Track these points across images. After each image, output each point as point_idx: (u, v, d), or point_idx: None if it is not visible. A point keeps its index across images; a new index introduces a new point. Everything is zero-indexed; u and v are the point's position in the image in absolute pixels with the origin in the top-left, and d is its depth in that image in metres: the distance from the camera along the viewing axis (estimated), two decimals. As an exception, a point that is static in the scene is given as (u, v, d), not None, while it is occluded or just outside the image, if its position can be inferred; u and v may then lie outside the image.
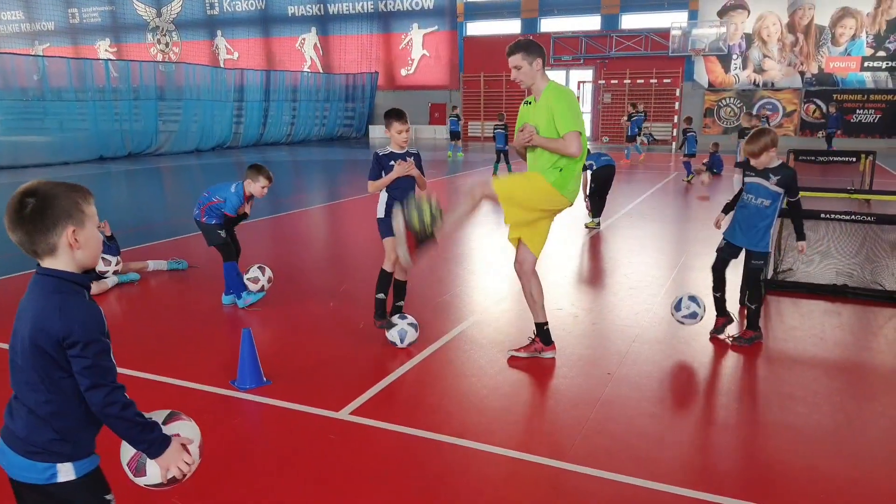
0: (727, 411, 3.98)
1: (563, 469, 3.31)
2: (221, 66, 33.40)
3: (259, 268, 6.17)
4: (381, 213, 5.17)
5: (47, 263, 1.94)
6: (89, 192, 2.00)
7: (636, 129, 21.08)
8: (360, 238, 8.77)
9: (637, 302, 6.11)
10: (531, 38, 4.46)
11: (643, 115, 21.97)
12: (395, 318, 4.96)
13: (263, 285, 6.10)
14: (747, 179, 4.96)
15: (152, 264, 6.96)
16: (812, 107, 25.83)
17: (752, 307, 5.00)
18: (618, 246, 8.56)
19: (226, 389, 4.20)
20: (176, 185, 16.40)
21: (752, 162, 4.88)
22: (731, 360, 4.77)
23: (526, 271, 4.62)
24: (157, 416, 2.09)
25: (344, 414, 3.88)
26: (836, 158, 12.30)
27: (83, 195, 1.97)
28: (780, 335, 5.33)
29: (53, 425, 1.94)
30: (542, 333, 4.68)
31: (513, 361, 4.69)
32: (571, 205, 4.49)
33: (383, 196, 5.16)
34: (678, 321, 5.09)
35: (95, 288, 6.27)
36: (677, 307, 5.09)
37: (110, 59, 28.62)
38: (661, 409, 4.00)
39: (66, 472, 1.96)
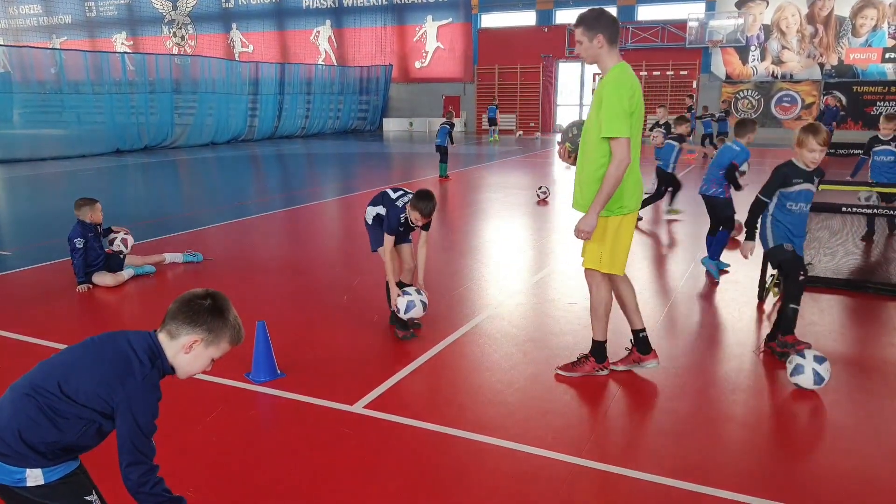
0: (745, 407, 3.93)
1: (576, 464, 3.28)
2: (236, 59, 33.50)
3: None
4: (369, 220, 5.16)
5: (162, 334, 2.11)
6: (240, 341, 2.19)
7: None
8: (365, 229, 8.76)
9: (654, 297, 6.06)
10: (604, 9, 3.97)
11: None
12: (411, 289, 4.93)
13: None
14: (798, 188, 4.47)
15: (168, 257, 6.99)
16: (832, 99, 25.50)
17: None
18: (636, 239, 8.48)
19: (240, 382, 4.21)
20: (192, 178, 16.48)
21: (810, 159, 4.40)
22: (749, 355, 4.71)
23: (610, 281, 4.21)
24: None
25: (358, 407, 3.88)
26: (853, 151, 12.21)
27: (234, 338, 2.16)
28: (798, 331, 5.25)
29: (38, 447, 1.97)
30: (640, 341, 4.33)
31: (530, 355, 4.66)
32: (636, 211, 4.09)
33: (374, 211, 5.11)
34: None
35: (112, 280, 6.32)
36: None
37: (127, 53, 28.81)
38: (678, 404, 3.95)
39: (34, 478, 1.99)
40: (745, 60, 26.65)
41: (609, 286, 4.16)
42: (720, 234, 6.63)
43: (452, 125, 15.33)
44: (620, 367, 4.37)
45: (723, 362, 4.56)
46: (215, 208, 11.06)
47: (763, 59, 26.39)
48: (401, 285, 5.07)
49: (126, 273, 6.50)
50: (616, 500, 3.03)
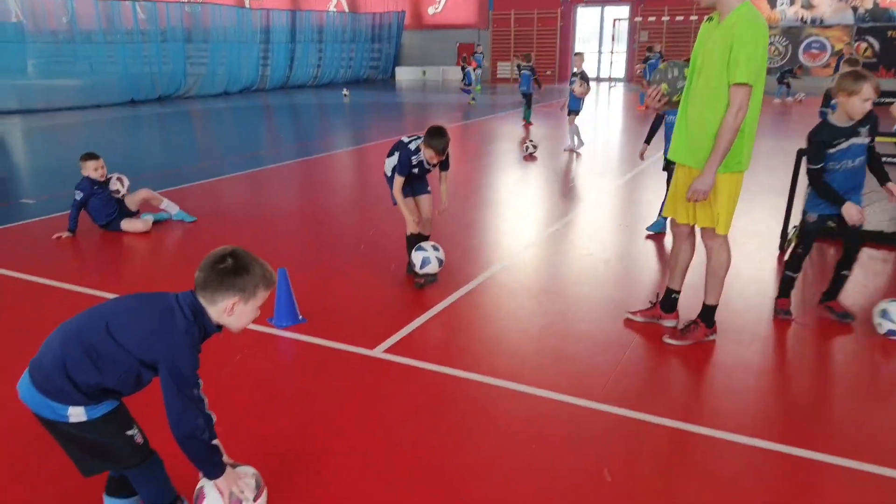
0: (762, 356, 3.98)
1: (592, 409, 3.37)
2: (247, 6, 32.98)
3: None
4: (388, 171, 5.17)
5: (201, 299, 2.17)
6: (274, 283, 2.24)
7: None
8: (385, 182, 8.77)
9: (670, 247, 6.07)
10: None
11: (659, 55, 21.30)
12: (427, 244, 4.99)
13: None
14: (838, 148, 4.13)
15: (166, 202, 6.98)
16: (863, 45, 24.70)
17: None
18: (648, 195, 8.45)
19: (264, 327, 4.32)
20: (206, 128, 16.47)
21: (860, 109, 4.03)
22: (767, 306, 4.75)
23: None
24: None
25: (378, 352, 3.98)
26: (884, 101, 11.94)
27: (266, 283, 2.21)
28: (820, 283, 5.28)
29: (82, 387, 2.06)
30: (669, 301, 4.28)
31: (544, 306, 4.73)
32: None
33: (391, 162, 5.13)
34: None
35: (142, 225, 6.49)
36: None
37: (137, 0, 28.45)
38: (694, 353, 4.01)
39: (77, 415, 2.09)
40: (773, 4, 25.83)
41: (729, 248, 3.94)
42: None
43: (533, 69, 15.18)
44: (639, 319, 4.41)
45: (742, 313, 4.59)
46: (230, 158, 11.09)
47: (792, 3, 25.56)
48: (419, 238, 5.12)
49: (151, 217, 6.66)
50: (628, 441, 3.11)
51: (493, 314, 4.64)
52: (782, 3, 25.79)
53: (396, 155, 5.03)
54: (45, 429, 2.15)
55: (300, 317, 4.43)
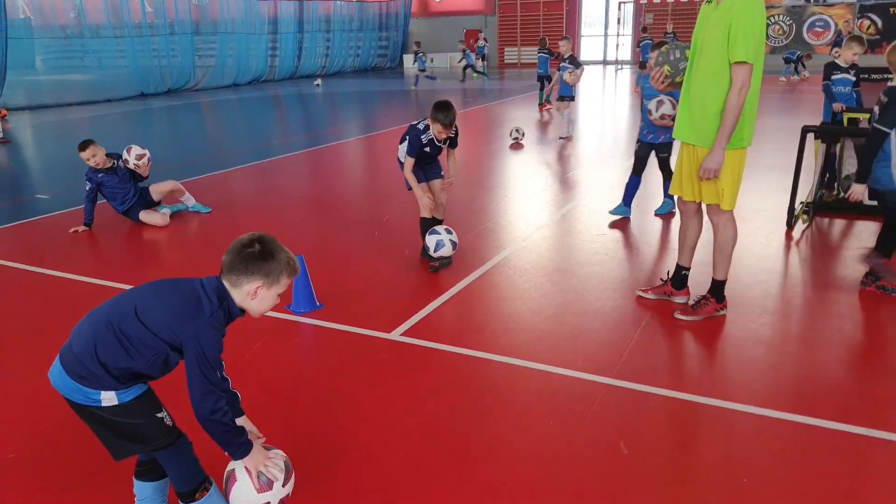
0: (772, 329, 4.03)
1: (606, 384, 3.44)
2: (254, -3, 32.97)
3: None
4: (401, 157, 5.24)
5: (225, 282, 2.24)
6: (296, 272, 2.31)
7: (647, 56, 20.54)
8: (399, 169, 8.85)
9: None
10: None
11: (673, 35, 21.19)
12: (440, 228, 5.08)
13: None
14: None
15: (186, 195, 7.06)
16: (867, 22, 24.54)
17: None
18: (656, 175, 8.45)
19: (282, 313, 4.41)
20: (216, 120, 16.57)
21: None
22: (775, 281, 4.80)
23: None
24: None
25: (395, 335, 4.06)
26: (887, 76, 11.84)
27: (290, 271, 2.29)
28: (836, 259, 5.32)
29: (113, 371, 2.14)
30: (679, 278, 4.36)
31: (558, 285, 4.80)
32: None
33: (404, 148, 5.20)
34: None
35: (160, 220, 6.56)
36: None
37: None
38: (705, 328, 4.07)
39: (109, 399, 2.17)
40: (776, -17, 25.67)
41: (735, 223, 4.02)
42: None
43: (551, 52, 15.34)
44: (651, 296, 4.48)
45: (751, 286, 4.64)
46: (242, 149, 11.18)
47: (796, -19, 25.38)
48: (433, 223, 5.20)
49: (168, 210, 6.75)
50: (643, 415, 3.19)
51: (508, 295, 4.71)
52: (787, -18, 25.58)
53: (408, 140, 5.10)
54: (77, 414, 2.23)
55: (318, 303, 4.52)
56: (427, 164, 5.27)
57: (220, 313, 2.22)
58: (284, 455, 2.45)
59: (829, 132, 5.68)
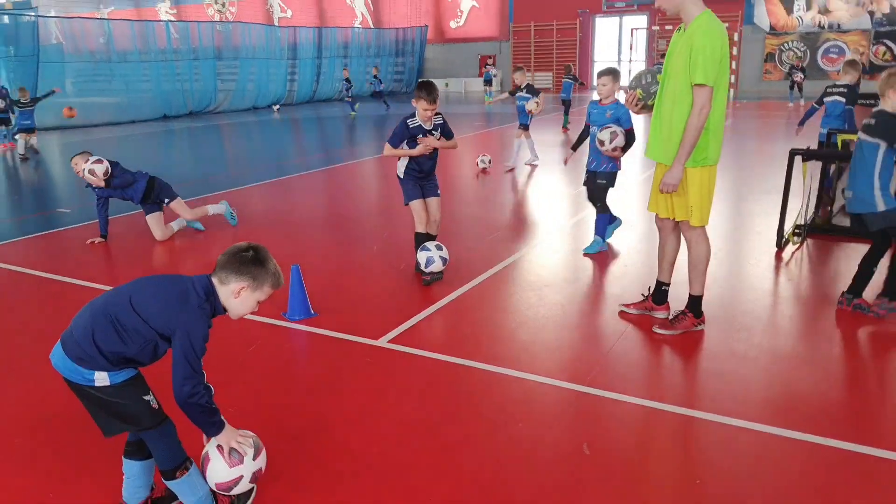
0: (747, 344, 4.14)
1: (578, 391, 3.60)
2: (276, 24, 33.81)
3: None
4: (400, 173, 5.45)
5: (215, 279, 2.48)
6: (280, 285, 2.57)
7: None
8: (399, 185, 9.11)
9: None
10: None
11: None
12: (431, 245, 5.26)
13: None
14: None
15: (211, 209, 7.25)
16: (882, 48, 24.61)
17: None
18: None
19: (278, 320, 4.63)
20: (235, 141, 17.00)
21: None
22: (758, 299, 4.93)
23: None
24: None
25: (383, 342, 4.25)
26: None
27: (274, 282, 2.53)
28: (822, 279, 5.44)
29: (107, 355, 2.37)
30: (659, 293, 4.52)
31: (544, 299, 4.97)
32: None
33: (403, 158, 5.41)
34: None
35: (159, 234, 6.79)
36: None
37: (171, 21, 29.35)
38: (683, 342, 4.21)
39: (102, 379, 2.39)
40: (789, 10, 25.85)
41: (708, 239, 4.17)
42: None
43: (575, 78, 15.97)
44: (633, 311, 4.63)
45: (732, 305, 4.77)
46: (257, 169, 11.52)
47: (809, 8, 25.55)
48: (425, 238, 5.41)
49: (175, 225, 6.99)
50: (608, 420, 3.34)
51: (494, 307, 4.89)
52: (799, 9, 25.74)
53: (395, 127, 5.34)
54: (74, 393, 2.45)
55: (312, 311, 4.73)
56: (424, 179, 5.46)
57: (206, 307, 2.43)
58: (254, 435, 2.65)
59: (817, 155, 5.83)
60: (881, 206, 4.32)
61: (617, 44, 30.52)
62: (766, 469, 2.89)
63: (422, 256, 5.23)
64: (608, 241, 6.24)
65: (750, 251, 6.05)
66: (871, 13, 24.64)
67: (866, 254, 4.57)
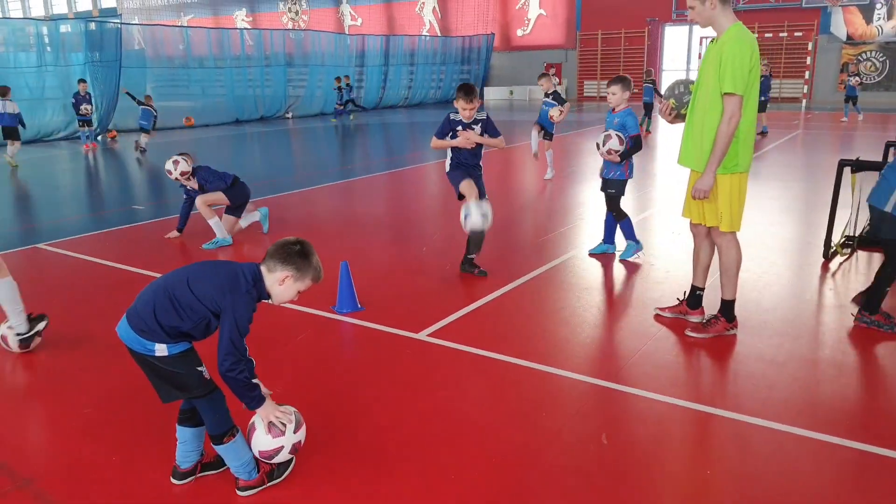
0: (777, 349, 4.19)
1: (604, 386, 3.75)
2: (346, 32, 34.72)
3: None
4: (448, 168, 5.70)
5: (263, 267, 2.77)
6: (320, 279, 2.82)
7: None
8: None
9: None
10: None
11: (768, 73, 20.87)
12: (472, 201, 5.40)
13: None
14: None
15: (244, 223, 7.35)
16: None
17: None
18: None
19: (327, 312, 4.93)
20: (303, 145, 17.64)
21: None
22: (797, 307, 4.94)
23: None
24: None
25: (423, 335, 4.49)
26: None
27: (315, 276, 2.79)
28: (856, 289, 5.40)
29: (165, 328, 2.67)
30: (694, 297, 4.61)
31: (583, 301, 5.11)
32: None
33: (449, 153, 5.66)
34: None
35: (238, 225, 7.17)
36: None
37: (246, 29, 30.57)
38: (712, 344, 4.29)
39: (161, 350, 2.70)
40: (868, 19, 24.95)
41: (738, 245, 4.27)
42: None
43: (654, 82, 17.27)
44: (668, 315, 4.73)
45: (770, 311, 4.80)
46: (322, 171, 12.00)
47: (890, 17, 24.60)
48: (478, 235, 5.59)
49: (244, 222, 7.30)
50: (630, 414, 3.48)
51: (535, 307, 5.06)
52: (879, 18, 24.80)
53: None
54: (136, 362, 2.77)
55: (359, 305, 5.01)
56: (470, 173, 5.61)
57: (253, 291, 2.72)
58: (295, 410, 2.92)
59: (866, 166, 5.76)
60: (889, 207, 4.31)
61: (686, 52, 30.07)
62: (778, 465, 2.99)
63: (462, 212, 5.42)
64: (626, 256, 6.16)
65: (797, 261, 6.03)
66: (955, 22, 23.58)
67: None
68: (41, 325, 4.38)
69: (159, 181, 11.38)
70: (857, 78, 19.48)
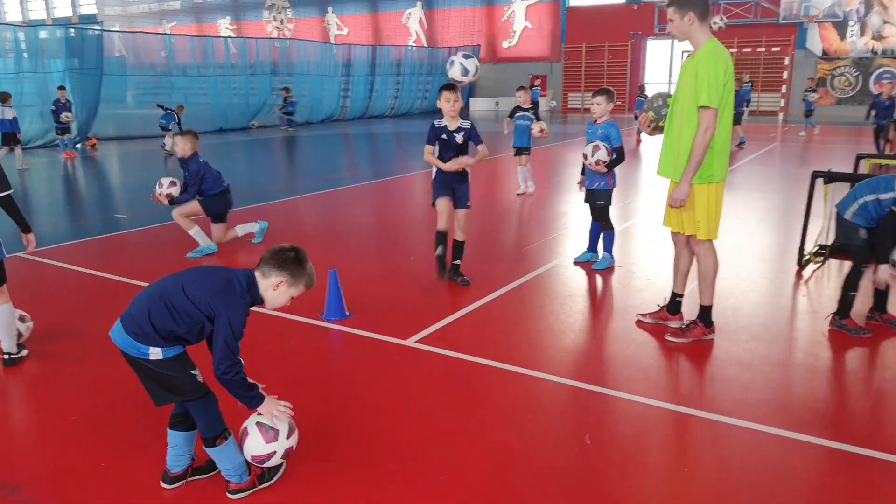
0: (753, 353, 4.33)
1: (587, 389, 3.86)
2: (332, 41, 34.82)
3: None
4: (434, 175, 5.77)
5: (258, 272, 2.85)
6: (312, 286, 2.89)
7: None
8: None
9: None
10: None
11: (750, 85, 21.21)
12: (460, 55, 5.63)
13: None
14: None
15: (240, 231, 7.33)
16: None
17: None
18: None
19: (315, 320, 5.00)
20: (288, 154, 17.68)
21: None
22: (772, 313, 5.10)
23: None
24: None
25: (411, 342, 4.58)
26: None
27: (309, 282, 2.86)
28: (836, 297, 5.57)
29: (160, 332, 2.73)
30: (674, 304, 4.74)
31: (566, 307, 5.23)
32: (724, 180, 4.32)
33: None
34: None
35: (234, 232, 7.15)
36: None
37: (230, 37, 30.57)
38: (691, 349, 4.43)
39: (156, 353, 2.76)
40: (842, 36, 25.52)
41: (715, 252, 4.41)
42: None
43: (646, 97, 16.74)
44: (649, 321, 4.86)
45: (747, 316, 4.96)
46: (308, 181, 12.07)
47: (862, 34, 25.18)
48: (444, 237, 5.69)
49: (240, 230, 7.26)
50: (612, 415, 3.60)
51: (520, 314, 5.17)
52: (852, 35, 25.36)
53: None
54: (130, 365, 2.82)
55: (347, 312, 5.09)
56: (455, 185, 5.67)
57: (247, 296, 2.80)
58: (291, 415, 2.98)
59: (836, 178, 5.95)
60: (848, 215, 4.57)
61: (668, 66, 30.50)
62: (753, 463, 3.11)
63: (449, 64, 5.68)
64: (608, 265, 6.27)
65: (772, 269, 6.21)
66: (927, 39, 24.19)
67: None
68: (25, 353, 4.44)
69: (144, 190, 11.38)
70: (814, 94, 19.72)
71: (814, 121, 19.62)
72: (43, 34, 20.85)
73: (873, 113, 14.26)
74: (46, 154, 16.96)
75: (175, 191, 6.85)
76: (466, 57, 5.54)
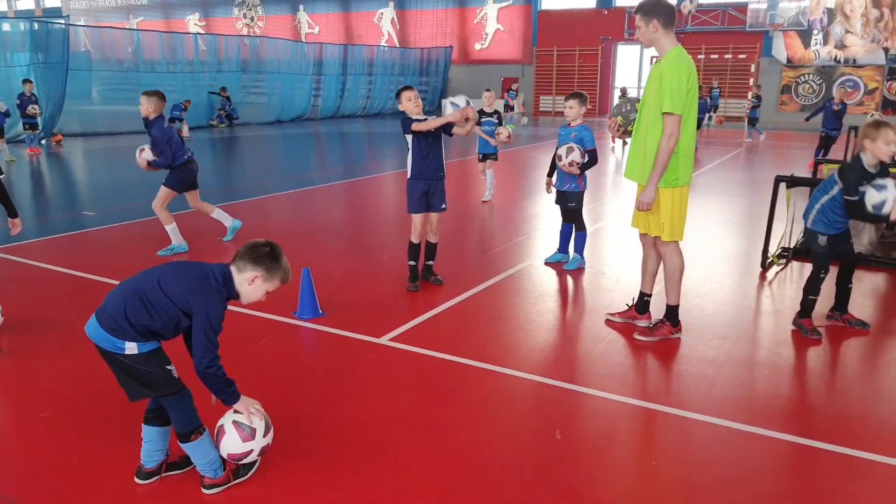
0: (718, 351, 4.46)
1: (558, 386, 3.94)
2: (303, 40, 34.59)
3: None
4: (409, 171, 5.64)
5: (233, 267, 2.86)
6: (287, 280, 2.93)
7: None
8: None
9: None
10: None
11: (718, 90, 21.60)
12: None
13: None
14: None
15: (216, 215, 7.39)
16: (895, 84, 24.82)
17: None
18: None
19: (288, 318, 5.01)
20: (258, 153, 17.55)
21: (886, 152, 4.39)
22: (736, 312, 5.24)
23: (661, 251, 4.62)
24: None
25: (384, 340, 4.62)
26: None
27: (284, 277, 2.90)
28: (798, 297, 5.74)
29: (136, 327, 2.74)
30: (642, 303, 4.87)
31: (538, 307, 5.31)
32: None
33: (410, 160, 5.62)
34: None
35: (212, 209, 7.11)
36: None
37: (199, 34, 30.22)
38: (658, 347, 4.54)
39: (131, 348, 2.77)
40: (807, 44, 26.13)
41: (681, 253, 4.53)
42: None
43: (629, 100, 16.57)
44: (618, 320, 4.97)
45: (712, 316, 5.10)
46: (279, 179, 12.00)
47: (826, 43, 25.83)
48: (418, 249, 5.71)
49: (216, 215, 7.28)
50: (583, 411, 3.68)
51: (491, 313, 5.24)
52: (816, 44, 26.00)
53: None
54: (105, 360, 2.81)
55: (320, 311, 5.10)
56: (432, 185, 5.62)
57: (223, 290, 2.81)
58: (266, 415, 3.00)
59: (799, 182, 6.14)
60: (809, 222, 4.74)
61: (637, 71, 30.91)
62: (718, 456, 3.22)
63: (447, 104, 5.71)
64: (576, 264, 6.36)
65: (737, 270, 6.38)
66: (886, 49, 24.87)
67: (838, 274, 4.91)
68: None
69: (112, 187, 11.24)
70: (755, 101, 19.91)
71: (760, 127, 20.05)
72: (6, 27, 20.39)
73: (821, 116, 14.09)
74: (11, 149, 16.57)
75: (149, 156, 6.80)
76: (453, 104, 5.63)
